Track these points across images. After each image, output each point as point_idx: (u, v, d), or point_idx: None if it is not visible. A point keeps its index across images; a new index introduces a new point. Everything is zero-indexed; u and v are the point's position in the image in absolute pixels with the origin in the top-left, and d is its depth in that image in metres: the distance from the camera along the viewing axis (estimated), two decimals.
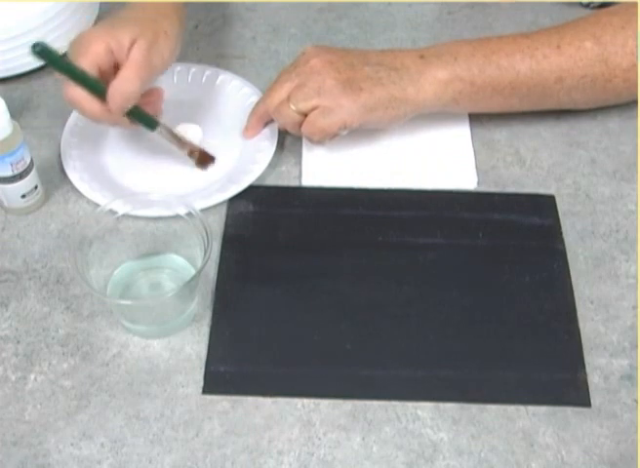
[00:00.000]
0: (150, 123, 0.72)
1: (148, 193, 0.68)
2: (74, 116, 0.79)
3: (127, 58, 0.67)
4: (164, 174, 0.76)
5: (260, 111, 0.76)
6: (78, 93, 0.66)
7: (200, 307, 0.67)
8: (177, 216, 0.64)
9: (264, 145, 0.76)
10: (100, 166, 0.76)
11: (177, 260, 0.68)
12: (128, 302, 0.66)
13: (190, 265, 0.66)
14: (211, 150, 0.75)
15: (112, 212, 0.65)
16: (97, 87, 0.66)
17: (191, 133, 0.77)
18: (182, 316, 0.65)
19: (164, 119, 0.74)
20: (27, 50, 0.64)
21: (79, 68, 0.65)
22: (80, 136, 0.78)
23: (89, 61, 0.66)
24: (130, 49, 0.67)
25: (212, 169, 0.76)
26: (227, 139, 0.78)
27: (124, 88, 0.66)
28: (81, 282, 0.60)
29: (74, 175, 0.74)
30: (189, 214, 0.63)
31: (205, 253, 0.61)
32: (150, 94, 0.72)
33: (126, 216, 0.66)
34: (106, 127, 0.79)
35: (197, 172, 0.76)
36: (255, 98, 0.80)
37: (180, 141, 0.74)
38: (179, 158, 0.76)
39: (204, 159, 0.75)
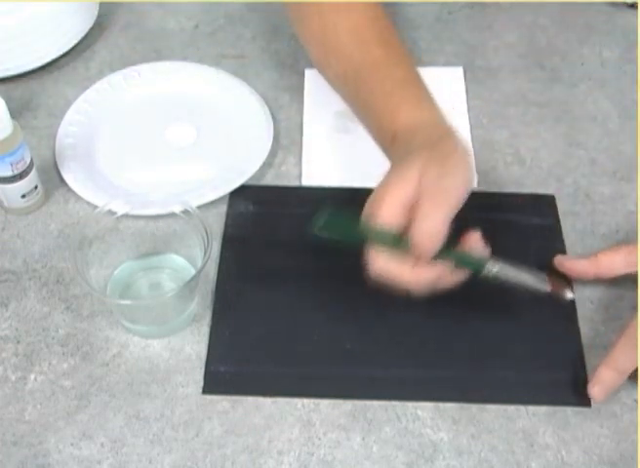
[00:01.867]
0: (469, 261, 0.59)
1: (147, 193, 0.68)
2: (68, 116, 0.79)
3: (420, 196, 0.57)
4: (159, 173, 0.76)
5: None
6: (383, 260, 0.57)
7: (200, 307, 0.67)
8: (176, 216, 0.64)
9: (260, 145, 0.76)
10: (94, 166, 0.76)
11: (176, 260, 0.68)
12: (127, 302, 0.66)
13: (190, 265, 0.66)
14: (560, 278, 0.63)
15: (111, 212, 0.64)
16: (400, 241, 0.56)
17: (185, 133, 0.77)
18: (182, 316, 0.65)
19: (165, 126, 0.73)
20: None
21: (375, 228, 0.56)
22: (75, 137, 0.78)
23: (385, 222, 0.56)
24: (420, 185, 0.57)
25: (208, 167, 0.75)
26: (225, 139, 0.78)
27: (424, 225, 0.56)
28: (81, 282, 0.60)
29: (69, 175, 0.74)
30: (188, 214, 0.63)
31: (205, 253, 0.61)
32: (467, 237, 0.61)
33: (126, 217, 0.66)
34: (102, 127, 0.79)
35: (192, 170, 0.76)
36: (254, 98, 0.80)
37: (529, 275, 0.60)
38: (175, 157, 0.76)
39: (558, 284, 0.60)
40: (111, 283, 0.67)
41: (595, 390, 0.61)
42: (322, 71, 0.74)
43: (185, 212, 0.63)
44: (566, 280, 0.64)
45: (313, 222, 0.57)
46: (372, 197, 0.58)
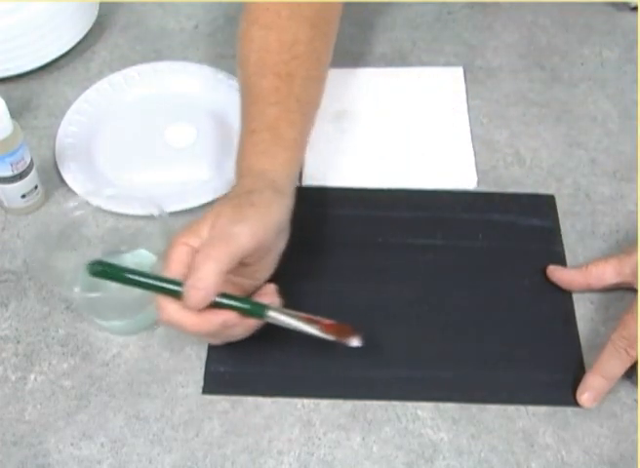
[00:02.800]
0: (248, 308, 0.58)
1: (119, 190, 0.68)
2: (68, 116, 0.79)
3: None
4: (159, 173, 0.76)
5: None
6: (172, 308, 0.56)
7: None
8: (147, 217, 0.64)
9: None
10: (94, 166, 0.76)
11: (146, 256, 0.67)
12: (94, 295, 0.64)
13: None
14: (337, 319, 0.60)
15: (81, 207, 0.65)
16: (175, 288, 0.56)
17: (185, 133, 0.77)
18: (151, 308, 0.65)
19: (165, 126, 0.73)
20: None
21: (151, 274, 0.56)
22: (75, 137, 0.78)
23: (172, 272, 0.56)
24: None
25: (208, 167, 0.75)
26: (225, 139, 0.78)
27: (192, 279, 0.55)
28: (48, 281, 0.60)
29: (69, 175, 0.74)
30: (161, 217, 0.63)
31: (164, 241, 0.61)
32: (263, 290, 0.61)
33: (97, 213, 0.66)
34: (102, 127, 0.79)
35: (192, 170, 0.76)
36: None
37: (304, 319, 0.59)
38: (175, 157, 0.76)
39: (343, 330, 0.59)
40: (80, 280, 0.66)
41: (584, 397, 0.61)
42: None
43: (154, 212, 0.63)
44: (350, 327, 0.59)
45: (90, 264, 0.56)
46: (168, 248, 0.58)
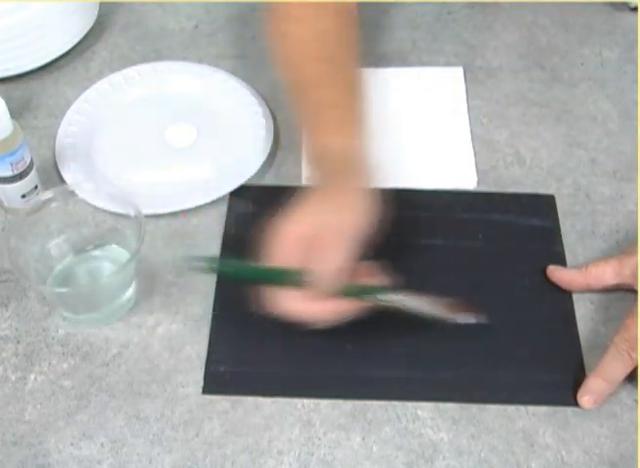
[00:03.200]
0: (369, 291, 0.60)
1: (98, 185, 0.69)
2: (68, 116, 0.79)
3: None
4: (159, 173, 0.76)
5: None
6: (291, 298, 0.57)
7: (200, 307, 0.67)
8: (124, 215, 0.65)
9: (260, 145, 0.76)
10: (94, 166, 0.76)
11: (117, 251, 0.68)
12: (64, 290, 0.65)
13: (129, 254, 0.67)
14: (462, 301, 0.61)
15: (56, 198, 0.66)
16: (298, 277, 0.57)
17: (185, 133, 0.77)
18: (119, 301, 0.66)
19: (165, 126, 0.73)
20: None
21: (272, 268, 0.58)
22: (75, 137, 0.78)
23: (284, 258, 0.58)
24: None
25: (208, 167, 0.75)
26: (225, 139, 0.78)
27: (324, 268, 0.57)
28: (19, 276, 0.61)
29: (69, 175, 0.74)
30: (135, 216, 0.64)
31: (138, 238, 0.62)
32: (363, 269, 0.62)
33: (74, 205, 0.66)
34: (102, 127, 0.79)
35: (192, 170, 0.76)
36: (254, 98, 0.80)
37: (426, 302, 0.61)
38: (175, 157, 0.76)
39: (459, 308, 0.61)
40: (49, 274, 0.67)
41: (584, 399, 0.61)
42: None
43: (135, 216, 0.64)
44: (464, 305, 0.62)
45: (204, 262, 0.57)
46: (269, 235, 0.59)
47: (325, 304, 0.59)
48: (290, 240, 0.59)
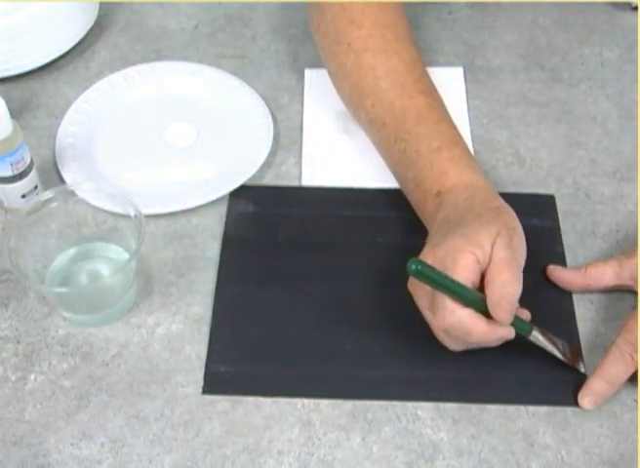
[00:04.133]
0: (526, 327, 0.62)
1: (98, 184, 0.69)
2: (68, 116, 0.79)
3: (491, 262, 0.59)
4: (159, 173, 0.76)
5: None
6: (465, 313, 0.58)
7: (200, 307, 0.67)
8: (124, 215, 0.65)
9: (260, 145, 0.76)
10: (94, 166, 0.76)
11: (115, 250, 0.68)
12: (64, 290, 0.65)
13: (128, 254, 0.67)
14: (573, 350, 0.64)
15: (56, 198, 0.66)
16: (478, 301, 0.59)
17: (185, 133, 0.77)
18: (121, 302, 0.66)
19: (165, 126, 0.73)
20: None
21: (461, 284, 0.58)
22: (75, 137, 0.78)
23: (462, 278, 0.58)
24: (493, 250, 0.59)
25: (208, 167, 0.75)
26: (225, 139, 0.78)
27: (507, 292, 0.58)
28: (19, 276, 0.61)
29: (69, 175, 0.74)
30: (135, 216, 0.64)
31: (138, 238, 0.62)
32: None
33: (75, 205, 0.67)
34: (102, 127, 0.79)
35: (192, 170, 0.76)
36: (254, 98, 0.80)
37: (553, 343, 0.63)
38: (175, 157, 0.76)
39: (575, 357, 0.64)
40: (49, 274, 0.67)
41: (585, 400, 0.61)
42: (354, 112, 0.74)
43: (135, 216, 0.64)
44: (578, 353, 0.64)
45: (410, 265, 0.57)
46: (444, 252, 0.59)
47: (491, 326, 0.59)
48: (468, 258, 0.58)
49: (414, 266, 0.56)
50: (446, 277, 0.57)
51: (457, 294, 0.58)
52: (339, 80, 0.74)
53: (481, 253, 0.58)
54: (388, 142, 0.70)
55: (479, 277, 0.59)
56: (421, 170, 0.67)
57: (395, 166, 0.71)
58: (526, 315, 0.62)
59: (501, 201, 0.64)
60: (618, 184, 0.75)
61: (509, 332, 0.60)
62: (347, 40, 0.72)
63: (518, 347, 0.64)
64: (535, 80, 0.84)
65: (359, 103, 0.72)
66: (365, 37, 0.71)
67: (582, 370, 0.63)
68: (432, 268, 0.57)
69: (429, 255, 0.60)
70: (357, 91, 0.72)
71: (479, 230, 0.59)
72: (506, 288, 0.58)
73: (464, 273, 0.58)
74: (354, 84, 0.72)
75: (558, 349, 0.63)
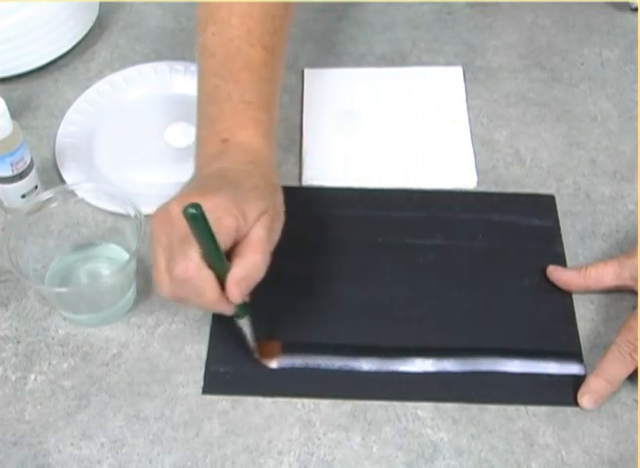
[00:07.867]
0: (245, 311, 0.60)
1: (98, 184, 0.69)
2: (68, 116, 0.79)
3: (248, 236, 0.56)
4: (159, 173, 0.76)
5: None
6: (208, 275, 0.55)
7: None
8: (124, 215, 0.65)
9: None
10: (94, 166, 0.76)
11: (115, 250, 0.68)
12: (64, 290, 0.65)
13: (128, 254, 0.67)
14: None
15: (55, 198, 0.66)
16: (223, 268, 0.55)
17: (185, 133, 0.77)
18: (121, 302, 0.66)
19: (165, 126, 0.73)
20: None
21: (219, 246, 0.54)
22: (75, 137, 0.78)
23: (219, 239, 0.54)
24: (253, 226, 0.57)
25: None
26: None
27: (252, 275, 0.56)
28: (16, 273, 0.61)
29: (69, 175, 0.74)
30: (135, 216, 0.64)
31: (138, 238, 0.62)
32: None
33: (75, 205, 0.67)
34: (102, 127, 0.79)
35: (191, 171, 0.75)
36: None
37: (251, 334, 0.63)
38: (175, 157, 0.76)
39: (268, 350, 0.64)
40: (49, 274, 0.67)
41: (585, 399, 0.61)
42: (196, 34, 0.71)
43: (135, 216, 0.64)
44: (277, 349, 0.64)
45: (188, 206, 0.52)
46: (212, 205, 0.54)
47: (223, 301, 0.56)
48: (229, 220, 0.55)
49: (194, 211, 0.52)
50: (213, 234, 0.54)
51: (211, 254, 0.54)
52: (199, 2, 0.71)
53: (244, 223, 0.56)
54: (207, 73, 0.68)
55: (229, 246, 0.56)
56: (223, 111, 0.65)
57: (201, 95, 0.68)
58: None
59: (273, 176, 0.63)
60: (618, 184, 0.75)
61: (230, 310, 0.58)
62: None
63: (518, 347, 0.65)
64: (535, 80, 0.84)
65: (203, 27, 0.70)
66: None
67: (274, 365, 0.63)
68: (207, 220, 0.53)
69: (195, 198, 0.54)
70: (207, 16, 0.70)
71: (251, 201, 0.57)
72: (253, 270, 0.56)
73: (223, 236, 0.55)
74: (208, 9, 0.70)
75: (254, 341, 0.62)
